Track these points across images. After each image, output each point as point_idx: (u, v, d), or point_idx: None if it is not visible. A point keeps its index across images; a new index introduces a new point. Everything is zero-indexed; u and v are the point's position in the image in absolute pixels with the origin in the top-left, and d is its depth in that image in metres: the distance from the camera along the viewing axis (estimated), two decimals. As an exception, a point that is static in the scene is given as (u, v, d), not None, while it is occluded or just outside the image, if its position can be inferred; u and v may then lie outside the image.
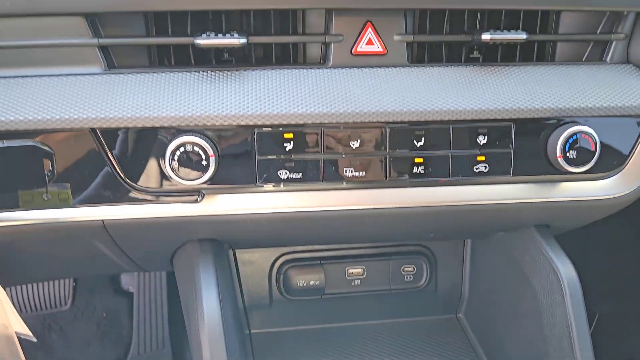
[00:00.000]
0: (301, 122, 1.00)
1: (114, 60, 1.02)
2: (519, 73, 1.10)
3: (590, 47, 1.16)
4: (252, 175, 1.02)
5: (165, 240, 1.19)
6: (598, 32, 1.15)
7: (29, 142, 0.97)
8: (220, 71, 1.03)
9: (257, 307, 1.49)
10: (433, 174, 1.06)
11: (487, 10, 1.12)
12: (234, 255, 1.44)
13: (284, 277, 1.47)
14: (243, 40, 0.99)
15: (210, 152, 0.98)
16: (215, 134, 1.00)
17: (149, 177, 1.01)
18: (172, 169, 0.98)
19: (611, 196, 1.15)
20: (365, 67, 1.06)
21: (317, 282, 1.46)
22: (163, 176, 1.01)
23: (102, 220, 1.03)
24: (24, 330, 0.96)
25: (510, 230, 1.32)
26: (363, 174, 1.05)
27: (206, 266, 1.14)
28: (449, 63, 1.11)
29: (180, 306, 1.30)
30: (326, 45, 1.07)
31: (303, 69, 1.05)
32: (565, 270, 1.16)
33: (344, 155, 1.04)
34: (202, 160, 0.98)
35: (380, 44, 1.07)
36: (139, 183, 1.01)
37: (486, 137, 1.06)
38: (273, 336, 1.50)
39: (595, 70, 1.12)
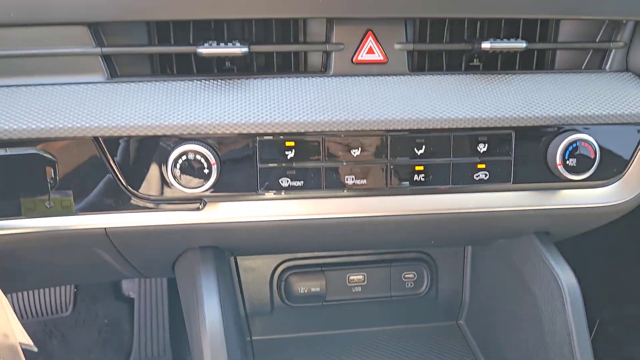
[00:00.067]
0: (302, 130, 1.01)
1: (117, 69, 1.03)
2: (519, 81, 1.10)
3: (589, 55, 1.17)
4: (253, 183, 1.03)
5: (167, 248, 1.19)
6: (597, 40, 1.16)
7: (31, 150, 0.98)
8: (222, 80, 1.04)
9: (258, 314, 1.49)
10: (434, 182, 1.07)
11: (487, 19, 1.12)
12: (235, 262, 1.44)
13: (285, 284, 1.47)
14: (245, 49, 1.00)
15: (212, 160, 0.98)
16: (217, 142, 1.00)
17: (151, 185, 1.01)
18: (174, 177, 0.98)
19: (611, 203, 1.15)
20: (366, 75, 1.07)
21: (318, 289, 1.47)
22: (165, 184, 1.01)
23: (105, 228, 1.04)
24: (26, 339, 0.97)
25: (511, 237, 1.32)
26: (364, 181, 1.05)
27: (207, 273, 1.14)
28: (449, 71, 1.11)
29: (181, 312, 1.31)
30: (327, 54, 1.08)
31: (304, 77, 1.06)
32: (566, 277, 1.17)
33: (345, 163, 1.04)
34: (204, 168, 0.98)
35: (381, 53, 1.08)
36: (141, 191, 1.02)
37: (486, 145, 1.06)
38: (274, 343, 1.50)
39: (595, 78, 1.13)
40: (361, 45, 1.07)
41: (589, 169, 1.07)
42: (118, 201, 1.02)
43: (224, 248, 1.22)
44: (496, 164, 1.08)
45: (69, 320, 2.02)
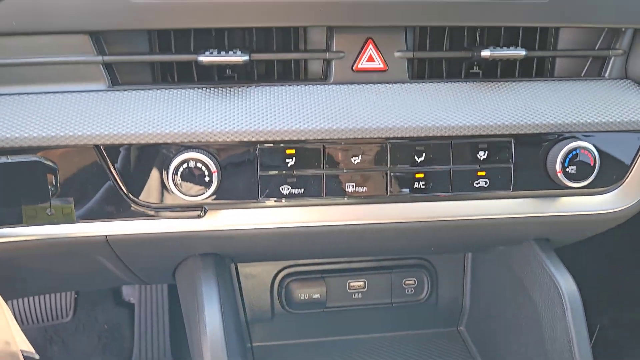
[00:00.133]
0: (303, 138, 1.01)
1: (118, 77, 1.04)
2: (519, 89, 1.11)
3: (588, 62, 1.17)
4: (254, 190, 1.03)
5: (168, 255, 1.19)
6: (596, 48, 1.16)
7: (33, 158, 0.98)
8: (222, 87, 1.04)
9: (258, 321, 1.49)
10: (434, 189, 1.07)
11: (487, 27, 1.13)
12: (236, 268, 1.45)
13: (285, 290, 1.47)
14: (245, 58, 1.00)
15: (213, 168, 0.99)
16: (218, 150, 1.01)
17: (152, 192, 1.02)
18: (175, 185, 0.99)
19: (611, 211, 1.15)
20: (366, 83, 1.08)
21: (318, 296, 1.47)
22: (166, 192, 1.02)
23: (106, 236, 1.04)
24: (28, 346, 0.97)
25: (511, 244, 1.32)
26: (364, 189, 1.06)
27: (208, 280, 1.14)
28: (449, 79, 1.12)
29: (181, 318, 1.31)
30: (327, 62, 1.08)
31: (305, 85, 1.06)
32: (566, 284, 1.17)
33: (345, 171, 1.04)
34: (205, 176, 0.99)
35: (381, 61, 1.08)
36: (142, 199, 1.02)
37: (486, 152, 1.07)
38: (275, 349, 1.50)
39: (594, 85, 1.14)
40: (361, 53, 1.07)
41: (588, 177, 1.08)
42: (119, 209, 1.02)
43: (224, 255, 1.22)
44: (496, 172, 1.08)
45: (69, 326, 2.02)
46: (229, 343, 1.11)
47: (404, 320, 1.55)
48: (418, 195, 1.07)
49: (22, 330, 1.03)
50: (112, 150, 0.99)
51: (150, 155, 1.00)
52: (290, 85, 1.06)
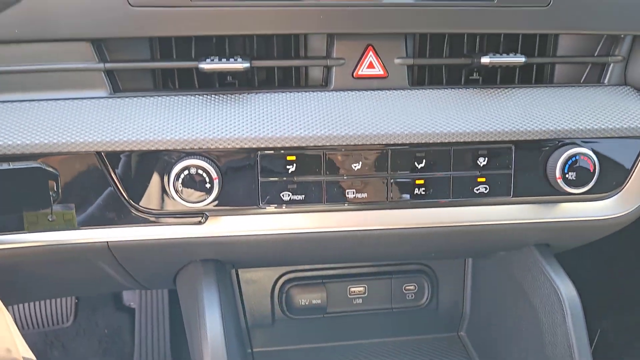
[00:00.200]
0: (303, 144, 1.01)
1: (119, 84, 1.04)
2: (518, 95, 1.11)
3: (588, 69, 1.18)
4: (255, 197, 1.03)
5: (169, 261, 1.20)
6: (595, 54, 1.17)
7: (34, 164, 0.98)
8: (223, 94, 1.04)
9: (259, 326, 1.49)
10: (434, 195, 1.08)
11: (486, 34, 1.13)
12: (237, 274, 1.45)
13: (286, 295, 1.47)
14: (246, 65, 1.01)
15: (214, 174, 0.99)
16: (219, 157, 1.01)
17: (154, 199, 1.02)
18: (176, 191, 0.99)
19: (611, 216, 1.16)
20: (366, 90, 1.08)
21: (319, 301, 1.47)
22: (167, 198, 1.02)
23: (107, 242, 1.05)
24: (29, 354, 0.97)
25: (511, 250, 1.32)
26: (365, 195, 1.06)
27: (209, 286, 1.15)
28: (449, 85, 1.12)
29: (182, 322, 1.31)
30: (328, 69, 1.09)
31: (305, 92, 1.07)
32: (566, 290, 1.17)
33: (345, 177, 1.05)
34: (205, 182, 0.99)
35: (381, 67, 1.08)
36: (143, 205, 1.02)
37: (486, 158, 1.07)
38: (275, 355, 1.50)
39: (593, 92, 1.14)
40: (361, 60, 1.08)
41: (588, 182, 1.08)
42: (120, 215, 1.02)
43: (225, 261, 1.23)
44: (496, 178, 1.08)
45: (70, 330, 2.02)
46: (230, 348, 1.12)
47: (404, 326, 1.55)
48: (418, 202, 1.08)
49: (22, 335, 1.03)
50: (113, 157, 0.99)
51: (152, 162, 1.00)
52: (290, 92, 1.06)
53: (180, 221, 1.04)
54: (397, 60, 1.09)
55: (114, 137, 0.97)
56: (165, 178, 1.00)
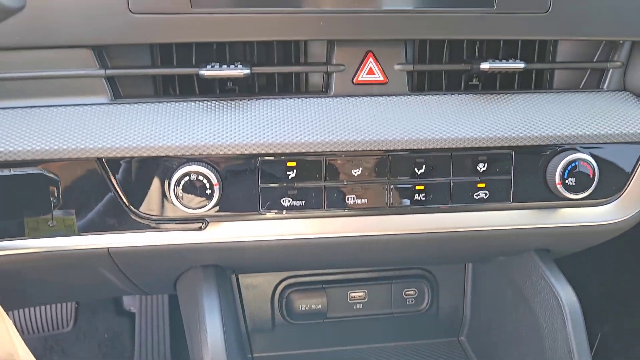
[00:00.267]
0: (303, 150, 1.02)
1: (120, 90, 1.04)
2: (518, 101, 1.11)
3: (587, 74, 1.18)
4: (255, 203, 1.03)
5: (170, 267, 1.20)
6: (595, 60, 1.17)
7: (35, 170, 0.98)
8: (224, 100, 1.05)
9: (259, 331, 1.49)
10: (434, 201, 1.08)
11: (486, 39, 1.14)
12: (237, 279, 1.45)
13: (286, 301, 1.47)
14: (247, 71, 1.01)
15: (215, 180, 0.99)
16: (219, 163, 1.01)
17: (154, 205, 1.02)
18: (177, 197, 0.99)
19: (611, 222, 1.16)
20: (366, 96, 1.08)
21: (319, 306, 1.47)
22: (168, 204, 1.02)
23: (108, 248, 1.05)
24: (30, 358, 0.97)
25: (511, 255, 1.32)
26: (365, 201, 1.06)
27: (209, 292, 1.15)
28: (448, 91, 1.13)
29: (182, 327, 1.31)
30: (328, 75, 1.09)
31: (305, 98, 1.07)
32: (566, 295, 1.17)
33: (345, 183, 1.05)
34: (206, 188, 0.99)
35: (381, 73, 1.09)
36: (144, 211, 1.02)
37: (486, 164, 1.07)
38: None
39: (593, 97, 1.14)
40: (361, 66, 1.08)
41: (588, 188, 1.08)
42: (121, 221, 1.02)
43: (225, 266, 1.23)
44: (496, 183, 1.08)
45: (70, 335, 2.02)
46: (230, 354, 1.12)
47: (404, 331, 1.55)
48: (418, 207, 1.08)
49: (23, 340, 1.03)
50: (114, 163, 1.00)
51: (152, 168, 1.01)
52: (291, 98, 1.07)
53: (180, 227, 1.04)
54: (397, 66, 1.09)
55: (114, 144, 0.98)
56: (166, 184, 1.01)
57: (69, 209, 1.01)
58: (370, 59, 1.08)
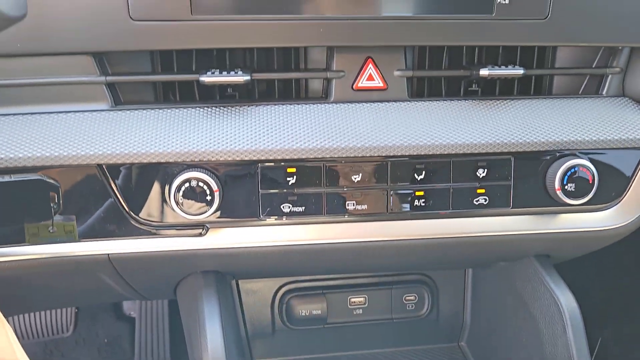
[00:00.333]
0: (303, 156, 1.02)
1: (121, 96, 1.05)
2: (517, 107, 1.12)
3: (586, 80, 1.18)
4: (255, 209, 1.04)
5: (170, 273, 1.20)
6: (594, 65, 1.17)
7: (35, 176, 0.99)
8: (224, 107, 1.05)
9: (259, 337, 1.49)
10: (434, 207, 1.08)
11: (485, 46, 1.14)
12: (237, 284, 1.45)
13: (286, 306, 1.47)
14: (247, 78, 1.02)
15: (215, 187, 1.00)
16: (220, 169, 1.01)
17: (154, 211, 1.02)
18: (177, 204, 0.99)
19: (610, 227, 1.16)
20: (366, 102, 1.09)
21: (319, 312, 1.47)
22: (168, 210, 1.02)
23: (108, 255, 1.05)
24: (31, 366, 0.97)
25: (511, 260, 1.32)
26: (365, 207, 1.06)
27: (209, 298, 1.15)
28: (448, 97, 1.13)
29: (182, 331, 1.31)
30: (328, 81, 1.09)
31: (305, 104, 1.07)
32: (566, 301, 1.17)
33: (345, 189, 1.05)
34: (206, 195, 0.99)
35: (381, 79, 1.09)
36: (144, 217, 1.02)
37: (486, 170, 1.07)
38: None
39: (592, 103, 1.15)
40: (361, 72, 1.08)
41: (587, 194, 1.08)
42: (121, 227, 1.03)
43: (225, 272, 1.23)
44: (495, 189, 1.09)
45: (70, 340, 2.02)
46: (230, 359, 1.12)
47: (404, 336, 1.55)
48: (418, 213, 1.08)
49: (22, 345, 1.03)
50: (114, 169, 1.00)
51: (152, 175, 1.01)
52: (290, 104, 1.07)
53: (180, 233, 1.05)
54: (396, 73, 1.09)
55: (115, 150, 0.98)
56: (166, 190, 1.01)
57: (69, 215, 1.02)
58: (370, 65, 1.08)
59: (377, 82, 1.09)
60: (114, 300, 1.92)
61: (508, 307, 1.38)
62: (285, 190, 1.03)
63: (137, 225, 1.03)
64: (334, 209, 1.05)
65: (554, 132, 1.08)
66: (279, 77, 1.10)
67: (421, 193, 1.07)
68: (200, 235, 1.05)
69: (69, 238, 1.03)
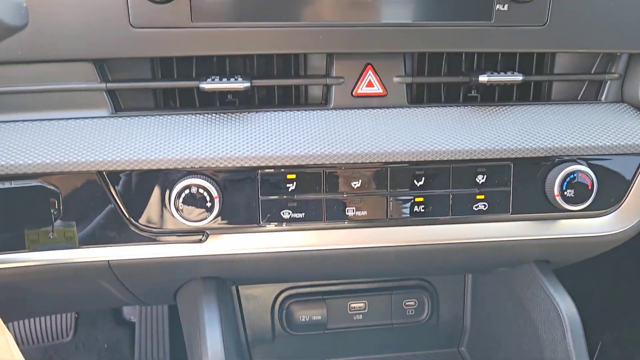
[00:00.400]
0: (303, 163, 1.02)
1: (121, 103, 1.05)
2: (517, 113, 1.12)
3: (585, 86, 1.19)
4: (255, 215, 1.04)
5: (170, 279, 1.20)
6: (592, 72, 1.18)
7: (35, 182, 0.99)
8: (224, 113, 1.05)
9: (259, 342, 1.49)
10: (433, 213, 1.08)
11: (484, 52, 1.14)
12: (237, 290, 1.45)
13: (286, 312, 1.47)
14: (247, 84, 1.02)
15: (215, 193, 1.00)
16: (220, 176, 1.02)
17: (155, 218, 1.02)
18: (177, 210, 1.00)
19: (610, 233, 1.16)
20: (365, 108, 1.09)
21: (319, 317, 1.47)
22: (168, 217, 1.02)
23: (108, 261, 1.05)
24: (31, 372, 0.97)
25: (511, 266, 1.33)
26: (364, 213, 1.06)
27: (210, 304, 1.15)
28: (447, 103, 1.13)
29: (182, 336, 1.31)
30: (327, 87, 1.10)
31: (305, 110, 1.08)
32: (566, 307, 1.17)
33: (345, 195, 1.05)
34: (206, 201, 1.00)
35: (380, 86, 1.09)
36: (144, 224, 1.03)
37: (485, 176, 1.08)
38: None
39: (591, 109, 1.15)
40: (361, 79, 1.09)
41: (587, 200, 1.09)
42: (121, 234, 1.03)
43: (225, 278, 1.23)
44: (495, 195, 1.09)
45: (69, 345, 2.02)
46: (230, 365, 1.12)
47: (404, 341, 1.55)
48: (418, 219, 1.08)
49: (22, 350, 1.03)
50: (115, 176, 1.00)
51: (153, 181, 1.01)
52: (290, 110, 1.07)
53: (181, 239, 1.05)
54: (396, 79, 1.10)
55: (115, 157, 0.98)
56: (166, 197, 1.01)
57: (69, 221, 1.02)
58: (370, 72, 1.09)
59: (377, 89, 1.09)
60: (113, 305, 1.92)
61: (508, 313, 1.38)
62: (285, 197, 1.04)
63: (137, 231, 1.03)
64: (334, 215, 1.06)
65: (553, 138, 1.09)
66: (279, 83, 1.11)
67: (421, 199, 1.07)
68: (200, 241, 1.05)
69: (70, 244, 1.03)
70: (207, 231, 1.05)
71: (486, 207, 1.09)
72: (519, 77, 1.09)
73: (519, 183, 1.09)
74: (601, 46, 1.12)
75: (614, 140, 1.10)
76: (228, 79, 1.02)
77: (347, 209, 1.06)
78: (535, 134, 1.09)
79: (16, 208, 1.00)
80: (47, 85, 1.00)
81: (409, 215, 1.08)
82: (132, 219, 1.02)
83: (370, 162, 1.04)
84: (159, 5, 0.96)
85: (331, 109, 1.08)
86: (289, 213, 1.04)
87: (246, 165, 1.01)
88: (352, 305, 1.50)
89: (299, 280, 1.45)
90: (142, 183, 1.01)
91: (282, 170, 1.03)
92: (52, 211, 1.01)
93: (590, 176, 1.08)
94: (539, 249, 1.20)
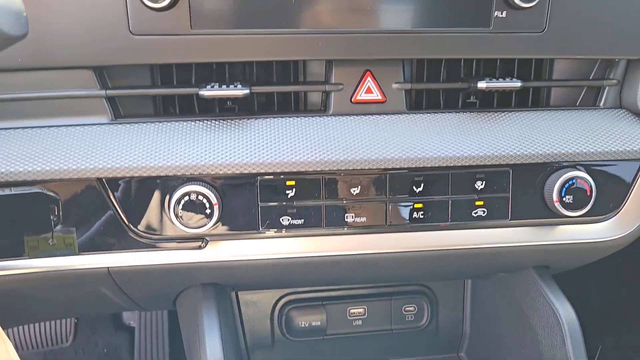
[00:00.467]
0: (302, 169, 1.02)
1: (121, 110, 1.05)
2: (515, 119, 1.12)
3: (583, 92, 1.19)
4: (254, 221, 1.04)
5: (169, 285, 1.20)
6: (591, 77, 1.18)
7: (35, 189, 0.99)
8: (223, 120, 1.06)
9: (259, 348, 1.49)
10: (432, 219, 1.08)
11: (483, 58, 1.15)
12: (236, 296, 1.45)
13: (285, 317, 1.47)
14: (246, 91, 1.02)
15: (214, 200, 1.00)
16: (219, 182, 1.02)
17: (154, 224, 1.03)
18: (177, 217, 1.00)
19: (609, 239, 1.16)
20: (364, 114, 1.09)
21: (318, 323, 1.47)
22: (168, 223, 1.03)
23: (108, 268, 1.05)
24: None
25: (510, 272, 1.33)
26: (364, 219, 1.06)
27: (209, 310, 1.15)
28: (446, 109, 1.13)
29: (181, 342, 1.31)
30: (327, 94, 1.10)
31: (304, 117, 1.08)
32: (565, 313, 1.17)
33: (344, 202, 1.06)
34: (206, 207, 1.00)
35: (380, 92, 1.10)
36: (144, 230, 1.03)
37: (484, 182, 1.08)
38: None
39: (589, 115, 1.15)
40: (360, 85, 1.09)
41: (585, 205, 1.09)
42: (121, 240, 1.03)
43: (225, 284, 1.23)
44: (494, 201, 1.09)
45: (69, 350, 2.01)
46: (230, 371, 1.12)
47: (404, 347, 1.55)
48: (417, 225, 1.08)
49: (22, 356, 1.03)
50: (114, 183, 1.00)
51: (152, 188, 1.01)
52: (290, 117, 1.07)
53: (180, 246, 1.05)
54: (394, 85, 1.10)
55: (115, 164, 0.98)
56: (166, 203, 1.01)
57: (69, 228, 1.02)
58: (369, 78, 1.09)
59: (376, 95, 1.10)
60: (113, 311, 1.92)
61: (507, 318, 1.38)
62: (284, 203, 1.04)
63: (137, 238, 1.03)
64: (333, 221, 1.06)
65: (551, 144, 1.09)
66: (278, 90, 1.11)
67: (420, 205, 1.07)
68: (199, 248, 1.05)
69: (69, 251, 1.03)
70: (207, 237, 1.05)
71: (485, 213, 1.09)
72: (517, 84, 1.10)
73: (518, 189, 1.09)
74: (599, 52, 1.12)
75: (612, 146, 1.10)
76: (227, 86, 1.02)
77: (346, 215, 1.06)
78: (534, 140, 1.09)
79: (16, 215, 1.00)
80: (47, 92, 1.00)
81: (408, 221, 1.08)
82: (131, 226, 1.02)
83: (369, 169, 1.04)
84: (158, 12, 0.96)
85: (330, 115, 1.09)
86: (289, 219, 1.04)
87: (245, 171, 1.01)
88: (352, 310, 1.50)
89: (299, 286, 1.45)
90: (141, 190, 1.01)
91: (282, 176, 1.03)
92: (51, 218, 1.01)
93: (589, 182, 1.08)
94: (538, 254, 1.20)
